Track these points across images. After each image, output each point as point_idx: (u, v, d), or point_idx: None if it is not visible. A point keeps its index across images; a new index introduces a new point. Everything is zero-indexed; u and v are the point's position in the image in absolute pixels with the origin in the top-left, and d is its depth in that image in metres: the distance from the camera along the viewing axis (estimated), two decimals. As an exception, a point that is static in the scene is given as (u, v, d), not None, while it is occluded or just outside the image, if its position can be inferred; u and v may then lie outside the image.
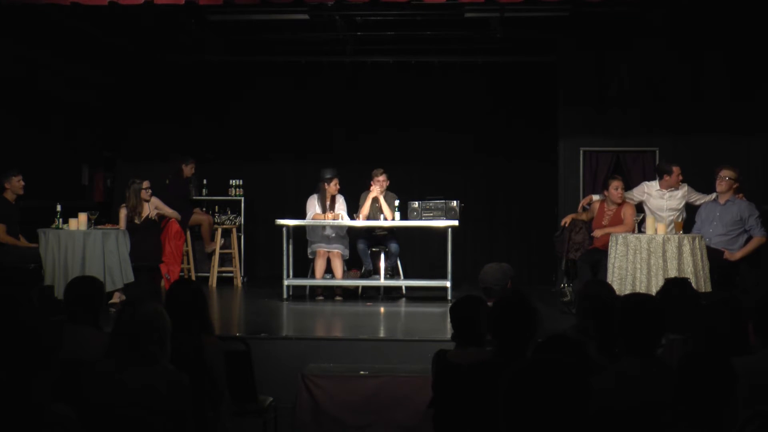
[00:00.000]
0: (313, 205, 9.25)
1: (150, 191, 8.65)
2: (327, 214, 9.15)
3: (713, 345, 3.52)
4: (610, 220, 8.09)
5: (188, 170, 10.24)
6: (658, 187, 8.22)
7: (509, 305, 3.57)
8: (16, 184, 8.00)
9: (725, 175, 7.89)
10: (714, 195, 8.06)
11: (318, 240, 9.31)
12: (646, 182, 8.40)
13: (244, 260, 10.70)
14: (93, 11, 7.94)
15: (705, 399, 2.71)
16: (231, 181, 11.06)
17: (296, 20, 9.08)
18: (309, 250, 9.43)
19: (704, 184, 9.40)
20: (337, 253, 9.23)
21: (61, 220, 7.88)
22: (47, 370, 2.58)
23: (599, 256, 7.80)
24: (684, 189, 8.29)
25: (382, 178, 9.28)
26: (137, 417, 3.21)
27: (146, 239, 8.52)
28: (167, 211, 8.89)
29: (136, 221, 8.53)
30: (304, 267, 9.59)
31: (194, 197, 10.91)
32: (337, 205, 9.27)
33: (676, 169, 8.19)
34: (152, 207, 8.68)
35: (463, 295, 4.17)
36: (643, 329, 3.34)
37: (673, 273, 6.86)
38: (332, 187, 9.20)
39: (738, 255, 7.68)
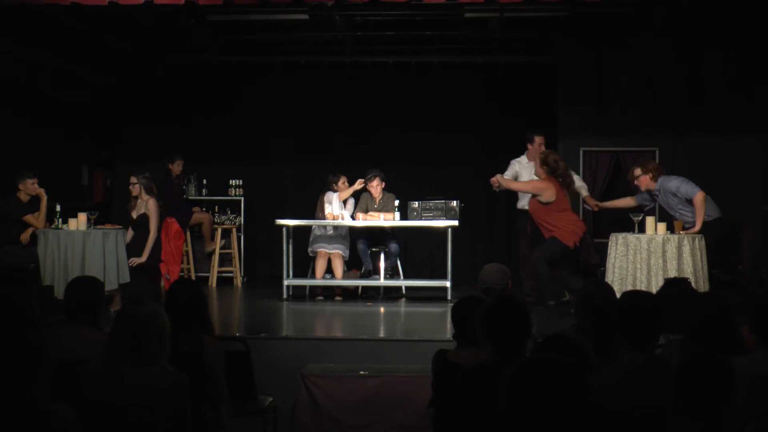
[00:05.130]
0: (333, 202, 9.27)
1: (138, 186, 8.40)
2: (327, 214, 9.18)
3: (703, 342, 3.53)
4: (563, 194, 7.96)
5: (176, 168, 10.21)
6: (527, 160, 8.34)
7: (501, 307, 3.56)
8: (30, 186, 8.13)
9: (634, 175, 7.99)
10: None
11: (318, 240, 9.32)
12: (514, 159, 8.49)
13: (243, 260, 10.70)
14: (93, 11, 7.94)
15: (705, 399, 2.71)
16: (231, 181, 11.06)
17: (296, 20, 9.07)
18: (309, 250, 9.44)
19: (703, 184, 9.42)
20: (338, 254, 9.23)
21: (60, 220, 7.89)
22: (40, 371, 2.57)
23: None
24: None
25: (375, 182, 9.30)
26: (136, 417, 3.21)
27: (144, 238, 8.47)
28: (152, 220, 8.38)
29: (133, 215, 8.46)
30: (304, 267, 9.59)
31: (194, 197, 10.92)
32: (347, 205, 9.32)
33: (538, 139, 8.28)
34: (144, 206, 8.46)
35: (464, 296, 4.18)
36: (642, 324, 3.36)
37: (673, 273, 6.87)
38: (341, 185, 9.28)
39: (698, 226, 7.59)
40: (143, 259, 8.23)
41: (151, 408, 3.21)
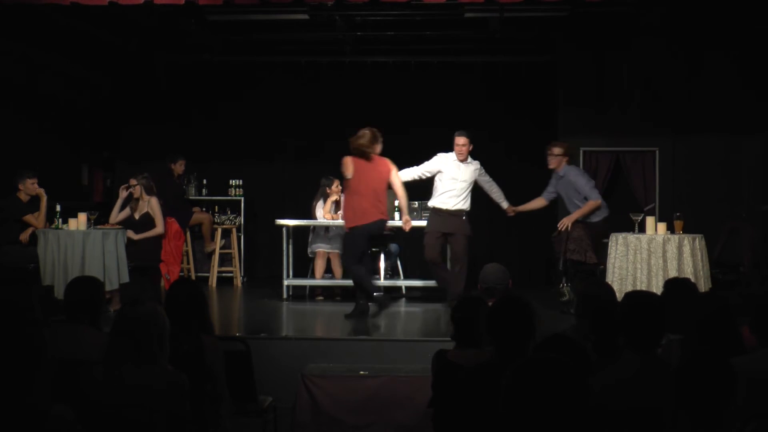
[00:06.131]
0: (321, 209, 9.25)
1: (139, 188, 8.40)
2: (326, 214, 9.17)
3: (703, 342, 3.53)
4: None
5: (178, 168, 10.21)
6: (455, 158, 8.31)
7: (507, 307, 3.56)
8: (29, 186, 8.14)
9: (552, 152, 8.25)
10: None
11: (318, 240, 9.32)
12: (442, 153, 8.42)
13: (243, 260, 10.70)
14: (93, 11, 7.94)
15: (704, 399, 2.71)
16: (231, 181, 11.06)
17: (296, 20, 9.07)
18: (309, 250, 9.44)
19: (703, 184, 9.43)
20: (337, 254, 9.23)
21: (60, 220, 7.89)
22: (39, 370, 2.57)
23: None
24: (476, 165, 8.42)
25: None
26: (136, 417, 3.20)
27: (146, 238, 8.48)
28: (158, 218, 8.49)
29: (135, 216, 8.46)
30: (304, 267, 9.58)
31: (194, 197, 10.92)
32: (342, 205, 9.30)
33: (458, 140, 8.30)
34: (147, 206, 8.49)
35: (465, 296, 4.18)
36: (646, 326, 3.35)
37: (673, 273, 6.87)
38: (334, 189, 9.24)
39: (572, 219, 8.03)
40: (137, 237, 8.25)
41: (151, 408, 3.21)
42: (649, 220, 7.51)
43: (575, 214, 8.09)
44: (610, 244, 7.49)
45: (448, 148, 11.02)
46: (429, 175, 8.41)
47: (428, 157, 10.93)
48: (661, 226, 7.35)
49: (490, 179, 8.56)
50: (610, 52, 9.65)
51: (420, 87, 11.09)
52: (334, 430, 5.84)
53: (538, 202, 8.63)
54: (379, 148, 7.73)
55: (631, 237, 7.26)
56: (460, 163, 8.27)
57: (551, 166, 8.29)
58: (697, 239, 7.22)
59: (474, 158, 8.40)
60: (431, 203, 8.36)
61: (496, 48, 10.47)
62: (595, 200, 8.10)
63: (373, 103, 11.18)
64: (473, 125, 11.06)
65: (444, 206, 8.16)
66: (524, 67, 10.85)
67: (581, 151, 9.73)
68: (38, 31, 8.99)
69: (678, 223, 7.55)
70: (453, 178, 8.22)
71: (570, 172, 8.24)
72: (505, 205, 8.69)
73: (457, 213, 8.19)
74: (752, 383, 3.19)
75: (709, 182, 9.40)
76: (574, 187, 8.18)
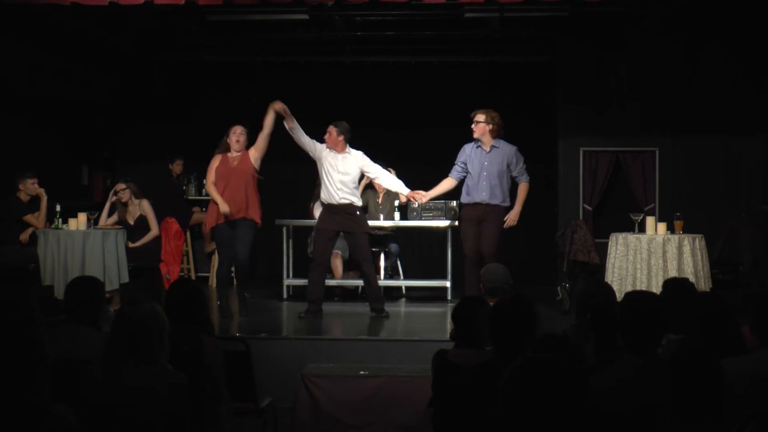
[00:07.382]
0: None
1: (128, 191, 8.43)
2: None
3: (703, 342, 3.53)
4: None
5: (176, 168, 10.24)
6: (327, 149, 7.95)
7: (511, 307, 3.56)
8: (30, 186, 8.19)
9: (477, 119, 7.80)
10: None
11: (318, 240, 9.31)
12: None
13: (243, 260, 10.67)
14: (93, 11, 7.94)
15: (693, 398, 2.70)
16: (231, 181, 11.03)
17: (296, 20, 9.07)
18: (309, 250, 9.43)
19: (703, 184, 9.41)
20: (336, 254, 9.22)
21: (60, 220, 7.89)
22: (39, 371, 2.57)
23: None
24: (358, 156, 7.94)
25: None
26: (136, 417, 3.20)
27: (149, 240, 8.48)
28: (152, 219, 8.54)
29: (130, 221, 8.46)
30: (304, 267, 9.56)
31: (194, 197, 10.91)
32: None
33: (329, 129, 7.99)
34: (139, 208, 8.50)
35: (467, 296, 4.19)
36: (644, 328, 3.35)
37: (673, 273, 6.87)
38: None
39: (517, 210, 7.72)
40: (138, 244, 8.29)
41: (151, 408, 3.21)
42: (649, 220, 7.51)
43: (518, 207, 7.75)
44: (609, 244, 7.49)
45: (448, 147, 11.06)
46: (306, 145, 8.15)
47: (428, 156, 10.99)
48: (661, 226, 7.35)
49: (379, 168, 8.00)
50: (609, 51, 9.64)
51: (419, 87, 11.09)
52: (334, 430, 5.84)
53: (447, 183, 8.12)
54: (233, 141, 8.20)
55: (631, 237, 7.26)
56: (338, 155, 7.89)
57: (475, 135, 7.84)
58: (697, 239, 7.22)
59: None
60: (321, 199, 8.01)
61: (496, 48, 10.47)
62: (526, 182, 7.84)
63: (373, 103, 11.18)
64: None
65: (330, 200, 7.80)
66: (524, 66, 10.85)
67: (581, 151, 9.72)
68: (38, 31, 8.99)
69: (678, 223, 7.55)
70: (332, 169, 7.86)
71: (503, 144, 7.84)
72: (405, 191, 8.09)
73: (347, 208, 7.75)
74: (752, 383, 3.19)
75: (709, 182, 9.39)
76: (507, 163, 7.76)
